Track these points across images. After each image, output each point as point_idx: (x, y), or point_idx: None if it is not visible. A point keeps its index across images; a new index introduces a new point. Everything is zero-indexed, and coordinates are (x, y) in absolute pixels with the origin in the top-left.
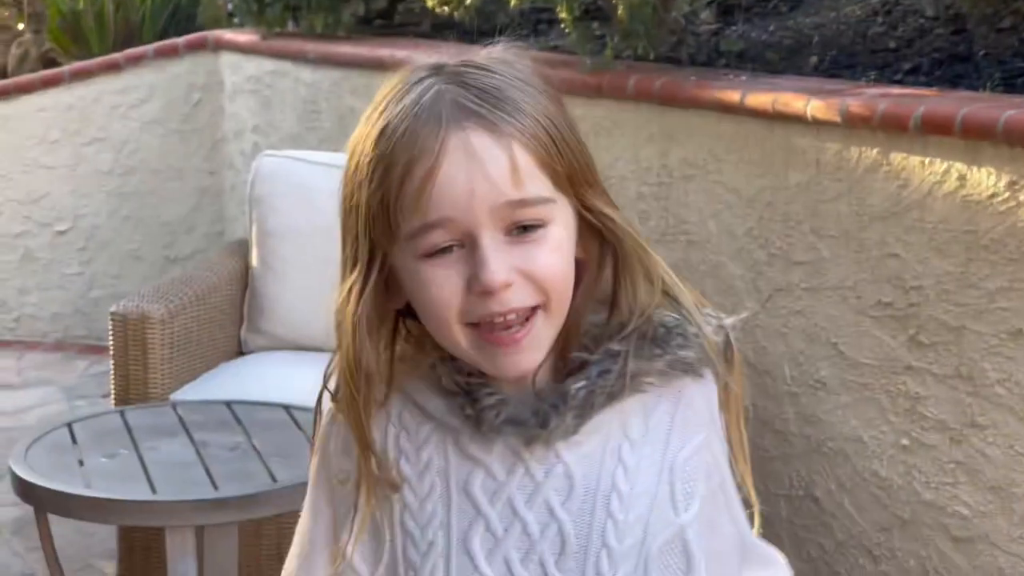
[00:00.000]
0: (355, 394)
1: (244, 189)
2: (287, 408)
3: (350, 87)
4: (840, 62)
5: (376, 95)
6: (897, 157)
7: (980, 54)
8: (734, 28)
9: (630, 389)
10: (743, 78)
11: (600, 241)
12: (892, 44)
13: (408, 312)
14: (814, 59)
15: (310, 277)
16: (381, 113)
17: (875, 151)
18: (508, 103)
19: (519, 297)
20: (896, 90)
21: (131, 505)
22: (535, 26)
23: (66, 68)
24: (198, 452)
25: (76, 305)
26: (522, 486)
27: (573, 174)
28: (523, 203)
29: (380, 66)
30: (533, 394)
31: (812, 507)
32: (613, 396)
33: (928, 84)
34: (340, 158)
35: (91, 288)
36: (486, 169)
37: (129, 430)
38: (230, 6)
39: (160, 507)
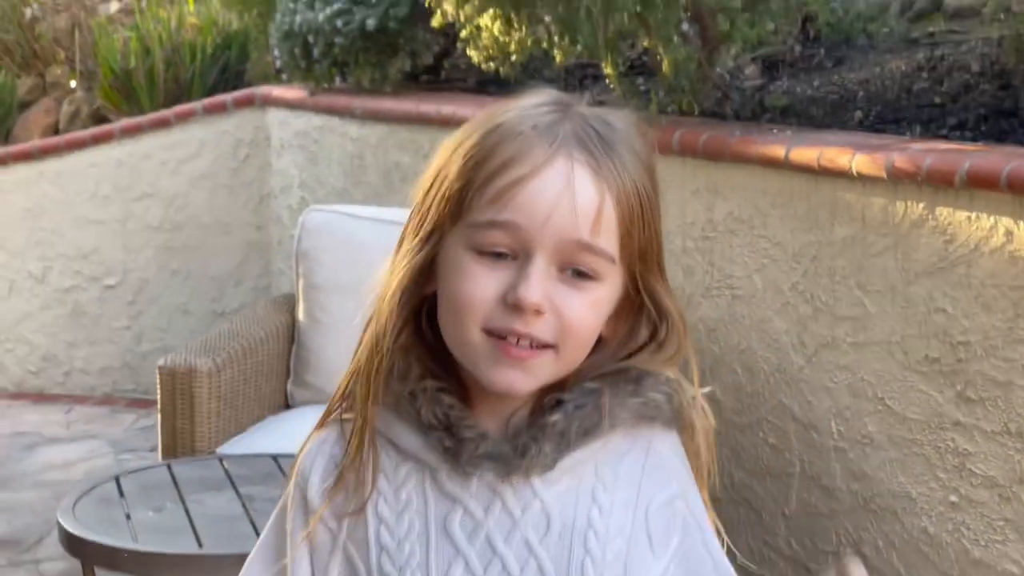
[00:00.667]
0: (377, 367)
1: (291, 243)
2: None
3: (396, 142)
4: (885, 117)
5: (493, 106)
6: (943, 212)
7: None
8: (779, 83)
9: (605, 425)
10: (788, 133)
11: (633, 321)
12: (937, 99)
13: (426, 315)
14: (859, 114)
15: (356, 331)
16: (500, 114)
17: (921, 206)
18: (617, 157)
19: (541, 328)
20: (942, 145)
21: (177, 559)
22: (580, 81)
23: (116, 124)
24: (244, 506)
25: (124, 359)
26: (500, 523)
27: (642, 250)
28: (590, 249)
29: (426, 121)
30: (511, 430)
31: None
32: (588, 431)
33: (974, 139)
34: (386, 212)
35: (139, 342)
36: (576, 201)
37: (176, 483)
38: (278, 63)
39: (207, 561)
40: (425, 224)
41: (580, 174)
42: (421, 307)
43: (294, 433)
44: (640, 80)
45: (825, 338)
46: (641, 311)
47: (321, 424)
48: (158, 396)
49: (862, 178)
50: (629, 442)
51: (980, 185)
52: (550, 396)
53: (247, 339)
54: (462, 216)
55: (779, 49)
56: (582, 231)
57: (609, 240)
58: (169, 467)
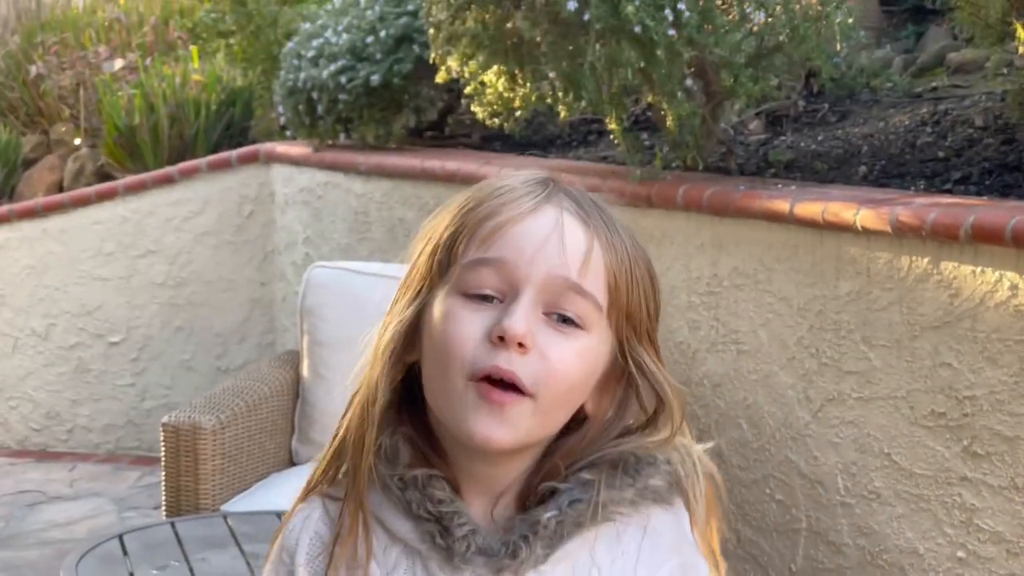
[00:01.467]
0: (366, 442)
1: (295, 300)
2: None
3: (400, 198)
4: (889, 171)
5: None
6: (948, 266)
7: None
8: (783, 138)
9: (600, 518)
10: (792, 188)
11: (622, 395)
12: (941, 154)
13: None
14: (863, 168)
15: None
16: (490, 180)
17: (926, 260)
18: (605, 216)
19: (524, 368)
20: (946, 199)
21: None
22: (585, 137)
23: (120, 182)
24: (248, 564)
25: (128, 416)
26: None
27: (630, 313)
28: (577, 290)
29: (431, 177)
30: (501, 520)
31: None
32: (582, 525)
33: (978, 193)
34: (391, 268)
35: (143, 399)
36: (564, 242)
37: (180, 542)
38: (282, 119)
39: None
40: (413, 283)
41: (569, 220)
42: (406, 379)
43: (298, 490)
44: (644, 135)
45: (831, 393)
46: (630, 385)
47: (304, 496)
48: (162, 453)
49: (866, 232)
50: (625, 521)
51: (985, 239)
52: (544, 485)
53: (251, 396)
54: (450, 266)
55: (783, 104)
56: (571, 270)
57: (596, 285)
58: (173, 525)
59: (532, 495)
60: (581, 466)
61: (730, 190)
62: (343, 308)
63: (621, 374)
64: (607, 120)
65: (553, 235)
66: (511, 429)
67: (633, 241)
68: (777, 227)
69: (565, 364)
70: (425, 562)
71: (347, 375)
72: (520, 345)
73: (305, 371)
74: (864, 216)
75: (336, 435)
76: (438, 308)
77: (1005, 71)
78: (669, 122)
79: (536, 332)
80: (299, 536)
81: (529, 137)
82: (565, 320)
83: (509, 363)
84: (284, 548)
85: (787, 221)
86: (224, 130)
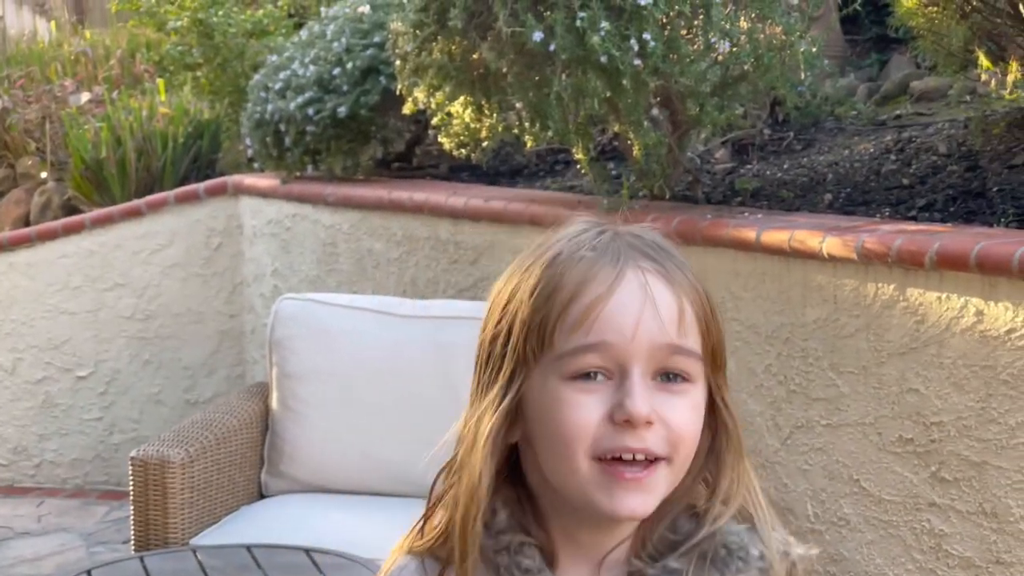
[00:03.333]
0: (474, 519)
1: (264, 332)
2: (308, 551)
3: (368, 229)
4: (854, 199)
5: (530, 247)
6: (914, 293)
7: (993, 190)
8: (749, 167)
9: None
10: (759, 216)
11: (712, 432)
12: (906, 181)
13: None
14: (829, 196)
15: (330, 419)
16: (548, 248)
17: (892, 287)
18: (677, 262)
19: (654, 441)
20: (911, 226)
21: None
22: (552, 167)
23: (87, 215)
24: None
25: (96, 450)
26: None
27: (715, 352)
28: (681, 350)
29: (398, 208)
30: None
31: None
32: None
33: (943, 220)
34: (359, 300)
35: (111, 433)
36: (657, 306)
37: None
38: (250, 151)
39: None
40: (505, 367)
41: (653, 281)
42: (506, 460)
43: (268, 522)
44: (611, 165)
45: (799, 420)
46: (712, 422)
47: (401, 548)
48: (131, 488)
49: (833, 260)
50: None
51: (950, 266)
52: (634, 561)
53: (220, 428)
54: (544, 351)
55: (748, 133)
56: (671, 333)
57: (695, 339)
58: (142, 559)
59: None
60: (674, 552)
61: (697, 219)
62: (312, 340)
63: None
64: (574, 150)
65: (646, 305)
66: (653, 497)
67: (692, 272)
68: (744, 255)
69: (687, 422)
70: None
71: (317, 407)
72: (647, 423)
73: (274, 403)
74: (830, 243)
75: (436, 496)
76: (546, 395)
77: (968, 98)
78: (635, 151)
79: (655, 404)
80: None
81: (496, 167)
82: (673, 379)
83: (639, 441)
84: None
85: (754, 249)
86: (191, 162)
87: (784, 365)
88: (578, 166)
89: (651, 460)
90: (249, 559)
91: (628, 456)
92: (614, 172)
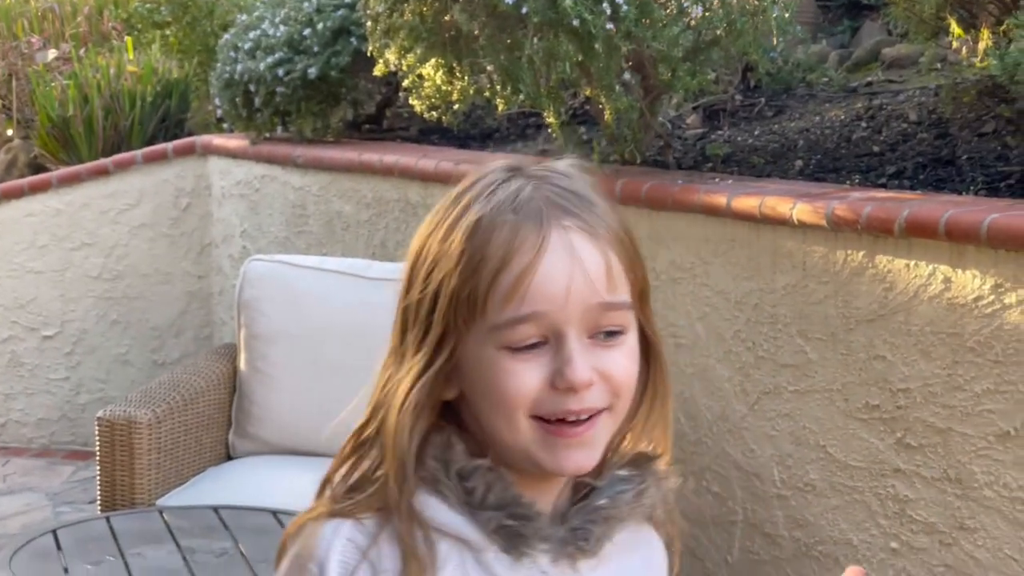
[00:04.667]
0: (401, 486)
1: (232, 293)
2: (274, 513)
3: (338, 191)
4: (825, 166)
5: (446, 196)
6: (882, 260)
7: (963, 158)
8: (720, 132)
9: (639, 512)
10: (729, 182)
11: (645, 359)
12: (876, 148)
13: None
14: (799, 163)
15: (298, 381)
16: (467, 208)
17: (861, 254)
18: (598, 208)
19: (596, 398)
20: (881, 194)
21: None
22: (523, 131)
23: (54, 173)
24: (185, 559)
25: (62, 410)
26: None
27: (641, 289)
28: (612, 306)
29: (368, 170)
30: (556, 513)
31: None
32: (628, 515)
33: (912, 188)
34: (328, 262)
35: (78, 393)
36: (585, 268)
37: (115, 536)
38: (219, 112)
39: None
40: (432, 331)
41: (578, 240)
42: (440, 413)
43: (235, 484)
44: (582, 129)
45: (767, 386)
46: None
47: (325, 513)
48: (97, 448)
49: (803, 226)
50: (635, 534)
51: (919, 233)
52: (583, 480)
53: (188, 389)
54: (475, 320)
55: (720, 98)
56: (602, 293)
57: (624, 290)
58: (108, 520)
59: (576, 489)
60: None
61: (668, 184)
62: (280, 301)
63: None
64: (545, 114)
65: (574, 268)
66: (596, 449)
67: (610, 205)
68: (714, 221)
69: (626, 372)
70: (478, 555)
71: (284, 368)
72: (587, 386)
73: (242, 365)
74: (800, 210)
75: (345, 456)
76: (482, 362)
77: (939, 66)
78: (607, 116)
79: (594, 363)
80: (331, 543)
81: (467, 131)
82: (608, 334)
83: (581, 403)
84: (311, 558)
85: (724, 215)
86: (160, 122)
87: (753, 331)
88: (549, 130)
89: (593, 414)
90: (216, 520)
91: (572, 419)
92: (585, 136)
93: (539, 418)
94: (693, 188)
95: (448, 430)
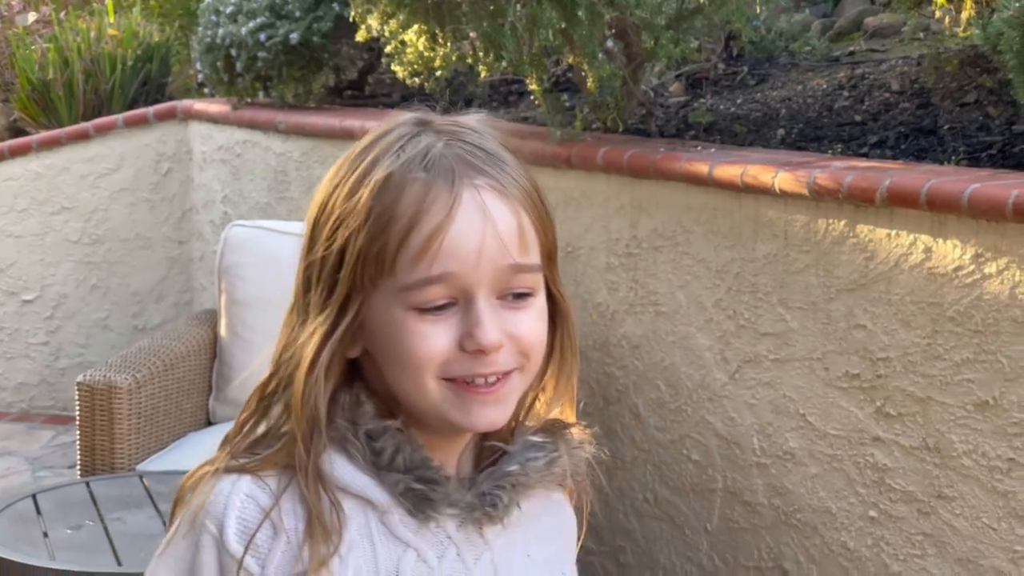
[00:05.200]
0: (309, 448)
1: (213, 259)
2: None
3: (320, 157)
4: (807, 135)
5: (351, 149)
6: (864, 229)
7: (944, 128)
8: (702, 101)
9: (550, 480)
10: (712, 150)
11: (552, 320)
12: (858, 118)
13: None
14: (781, 132)
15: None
16: (375, 163)
17: (842, 223)
18: (509, 167)
19: (505, 360)
20: (862, 163)
21: None
22: (505, 97)
23: (34, 137)
24: (165, 524)
25: (42, 375)
26: (453, 571)
27: (550, 248)
28: (523, 268)
29: (350, 136)
30: (461, 475)
31: None
32: (538, 482)
33: (894, 157)
34: None
35: (57, 358)
36: (498, 229)
37: (95, 501)
38: (200, 76)
39: None
40: (338, 290)
41: (491, 199)
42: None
43: (215, 449)
44: (565, 96)
45: (748, 354)
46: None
47: (223, 468)
48: (77, 413)
49: (784, 195)
50: (545, 500)
51: (900, 203)
52: (492, 443)
53: (168, 355)
54: (383, 278)
55: (703, 67)
56: (513, 254)
57: (534, 251)
58: (88, 484)
59: (485, 453)
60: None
61: (650, 152)
62: (261, 267)
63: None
64: (528, 81)
65: (487, 228)
66: (508, 406)
67: (520, 162)
68: (696, 189)
69: (536, 333)
70: (383, 516)
71: (265, 334)
72: (497, 349)
73: (223, 330)
74: (782, 179)
75: (249, 415)
76: (390, 322)
77: (921, 36)
78: (590, 83)
79: (504, 325)
80: (229, 499)
81: (450, 97)
82: (518, 295)
83: (490, 366)
84: (208, 513)
85: (706, 183)
86: (140, 86)
87: (734, 300)
88: (532, 97)
89: (503, 375)
90: None
91: (480, 380)
92: (568, 104)
93: (448, 379)
94: (675, 156)
95: (356, 388)
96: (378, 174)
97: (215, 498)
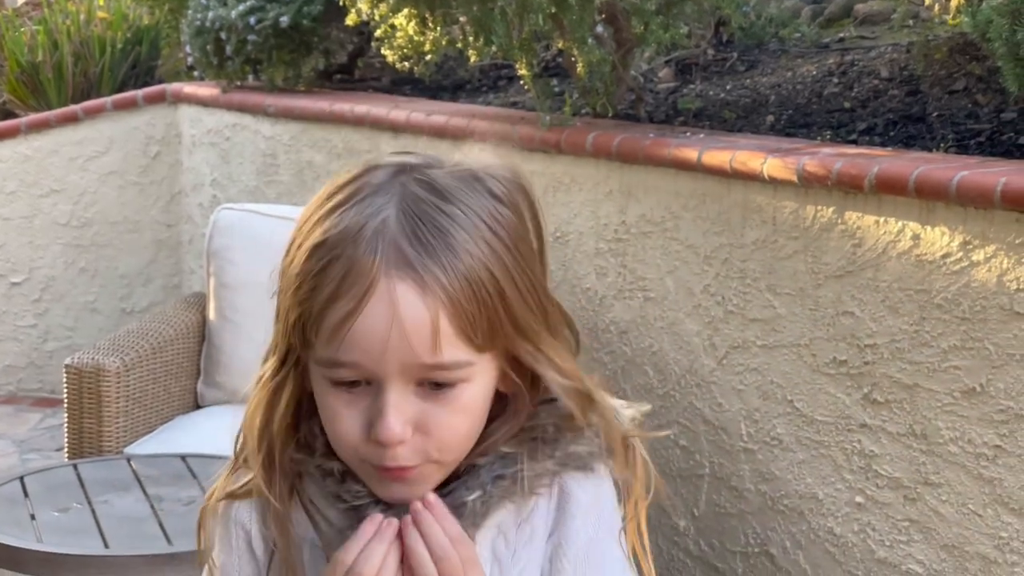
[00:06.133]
0: (268, 482)
1: (202, 242)
2: None
3: (309, 140)
4: (796, 121)
5: (336, 179)
6: (852, 216)
7: (933, 115)
8: (692, 87)
9: (526, 492)
10: (701, 136)
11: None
12: (847, 104)
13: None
14: (771, 118)
15: (267, 331)
16: (328, 214)
17: (831, 210)
18: (449, 253)
19: (409, 456)
20: (851, 150)
21: (83, 560)
22: (495, 82)
23: (23, 120)
24: (152, 507)
25: (30, 357)
26: None
27: (519, 325)
28: (438, 367)
29: (340, 120)
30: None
31: (767, 564)
32: (505, 498)
33: (883, 144)
34: (299, 211)
35: (45, 340)
36: (404, 327)
37: (82, 484)
38: (190, 59)
39: (113, 562)
40: (280, 344)
41: (403, 297)
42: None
43: (203, 433)
44: (554, 81)
45: (736, 340)
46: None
47: (226, 494)
48: (65, 395)
49: (773, 182)
50: (544, 494)
51: (888, 190)
52: (465, 462)
53: (156, 338)
54: (308, 347)
55: (693, 52)
56: (421, 355)
57: (455, 349)
58: (75, 467)
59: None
60: (501, 439)
61: (639, 138)
62: (250, 250)
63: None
64: (517, 66)
65: (393, 326)
66: (422, 486)
67: (492, 240)
68: (685, 175)
69: (453, 429)
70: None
71: (254, 317)
72: (401, 442)
73: (211, 313)
74: (771, 165)
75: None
76: (317, 387)
77: (911, 23)
78: (579, 69)
79: (414, 416)
80: (251, 510)
81: (439, 81)
82: (438, 385)
83: (394, 460)
84: (236, 522)
85: (695, 169)
86: (130, 69)
87: (722, 286)
88: (521, 82)
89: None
90: (184, 468)
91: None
92: (557, 89)
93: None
94: (664, 142)
95: (313, 421)
96: (315, 237)
97: (237, 509)
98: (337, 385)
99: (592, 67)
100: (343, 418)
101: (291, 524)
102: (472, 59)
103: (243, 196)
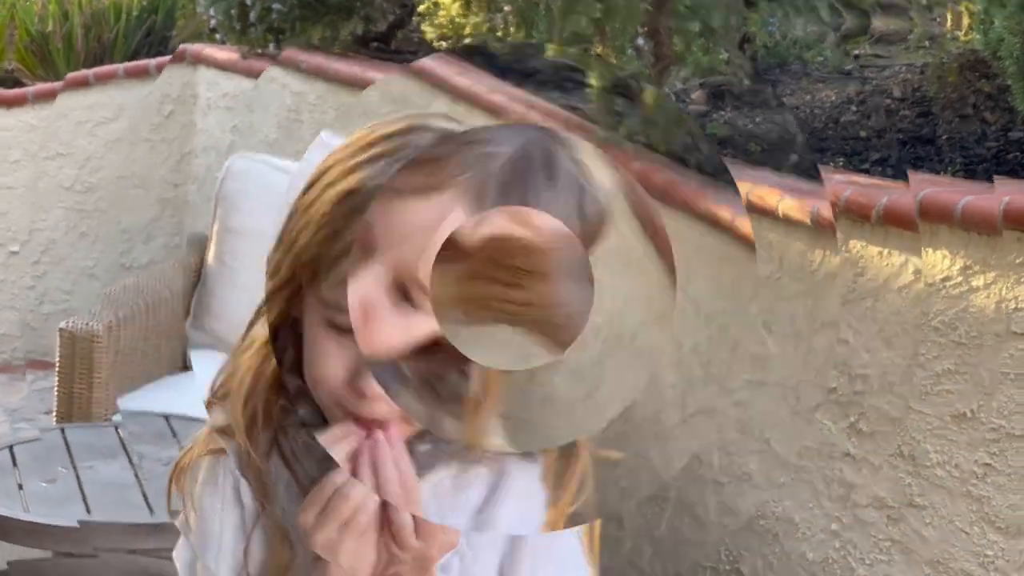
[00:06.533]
0: (247, 440)
1: (207, 205)
2: None
3: (335, 103)
4: (811, 146)
5: (378, 127)
6: (856, 245)
7: (943, 138)
8: (722, 113)
9: (469, 460)
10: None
11: None
12: (863, 133)
13: None
14: (794, 156)
15: (262, 281)
16: (366, 163)
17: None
18: None
19: (387, 411)
20: (862, 179)
21: (65, 531)
22: (561, 82)
23: (30, 89)
24: (137, 476)
25: (25, 320)
26: None
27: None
28: None
29: (368, 87)
30: None
31: None
32: (451, 459)
33: (894, 176)
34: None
35: (42, 303)
36: None
37: (69, 449)
38: (213, 22)
39: (96, 529)
40: (281, 275)
41: None
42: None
43: (191, 391)
44: (619, 102)
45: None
46: None
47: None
48: (57, 359)
49: (786, 220)
50: (487, 466)
51: (895, 222)
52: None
53: (151, 296)
54: (312, 285)
55: (728, 80)
56: None
57: None
58: (63, 431)
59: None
60: None
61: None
62: (258, 199)
63: None
64: (590, 76)
65: None
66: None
67: None
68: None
69: None
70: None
71: (250, 265)
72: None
73: (211, 258)
74: (786, 205)
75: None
76: (309, 323)
77: (927, 43)
78: (649, 102)
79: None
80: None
81: (510, 63)
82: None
83: (372, 412)
84: (225, 467)
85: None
86: (144, 37)
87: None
88: (588, 90)
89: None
90: (166, 428)
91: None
92: (619, 109)
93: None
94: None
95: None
96: (349, 183)
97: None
98: (332, 326)
99: (658, 103)
100: (331, 358)
101: (270, 481)
102: (548, 52)
103: (263, 147)
